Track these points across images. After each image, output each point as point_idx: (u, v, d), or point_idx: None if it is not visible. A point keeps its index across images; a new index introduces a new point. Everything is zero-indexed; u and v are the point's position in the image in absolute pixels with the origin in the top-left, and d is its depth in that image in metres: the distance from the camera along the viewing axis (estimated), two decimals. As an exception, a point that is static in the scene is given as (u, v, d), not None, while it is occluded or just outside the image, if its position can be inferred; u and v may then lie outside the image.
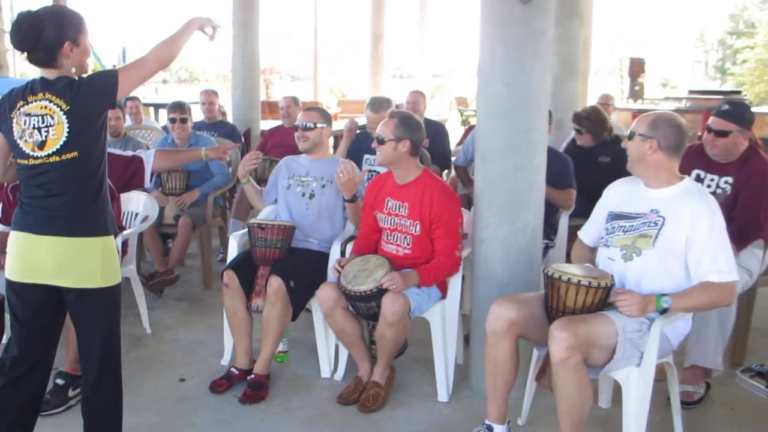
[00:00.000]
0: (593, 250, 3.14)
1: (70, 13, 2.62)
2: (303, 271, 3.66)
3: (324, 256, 3.84)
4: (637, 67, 15.31)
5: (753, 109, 11.70)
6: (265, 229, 3.69)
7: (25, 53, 2.55)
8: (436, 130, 5.79)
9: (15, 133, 2.55)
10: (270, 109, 13.14)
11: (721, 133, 3.66)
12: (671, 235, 2.82)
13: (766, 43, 22.65)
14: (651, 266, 2.83)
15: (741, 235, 3.50)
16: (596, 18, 13.94)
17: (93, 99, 2.54)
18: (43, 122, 2.51)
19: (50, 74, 2.56)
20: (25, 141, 2.53)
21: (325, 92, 22.06)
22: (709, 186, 3.73)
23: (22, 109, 2.54)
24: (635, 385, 2.75)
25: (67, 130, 2.50)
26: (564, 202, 4.63)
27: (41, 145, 2.51)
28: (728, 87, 23.25)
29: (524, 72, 3.20)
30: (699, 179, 3.76)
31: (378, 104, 5.26)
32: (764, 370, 2.63)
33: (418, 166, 3.55)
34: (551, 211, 4.61)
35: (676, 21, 40.30)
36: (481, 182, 3.38)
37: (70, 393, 3.39)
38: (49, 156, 2.51)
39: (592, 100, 9.01)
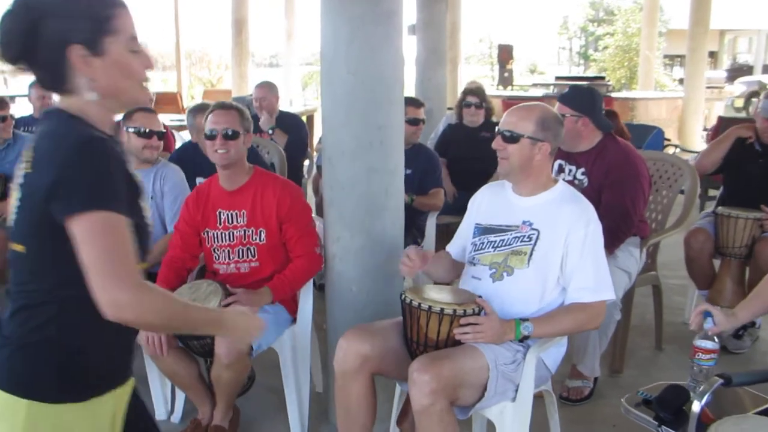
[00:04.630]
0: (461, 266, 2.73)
1: None
2: None
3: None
4: (505, 54, 15.40)
5: (616, 95, 11.86)
6: None
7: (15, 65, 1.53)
8: (292, 122, 5.35)
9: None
10: (126, 101, 12.18)
11: None
12: (547, 251, 2.45)
13: (624, 30, 23.50)
14: (524, 287, 2.46)
15: (611, 236, 3.21)
16: (465, 4, 13.88)
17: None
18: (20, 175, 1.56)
19: (63, 102, 1.54)
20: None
21: (194, 81, 21.00)
22: (568, 175, 3.47)
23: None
24: (510, 422, 2.37)
25: (18, 205, 1.51)
26: (432, 204, 4.33)
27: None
28: (592, 73, 24.00)
29: (374, 58, 2.73)
30: (561, 169, 3.49)
31: None
32: (651, 396, 2.30)
33: (248, 166, 3.07)
34: (417, 213, 4.25)
35: (542, 8, 41.59)
36: (330, 188, 2.89)
37: None
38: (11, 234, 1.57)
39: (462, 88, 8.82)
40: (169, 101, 12.50)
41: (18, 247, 1.50)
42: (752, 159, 4.05)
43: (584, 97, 3.51)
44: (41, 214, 1.44)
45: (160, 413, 3.24)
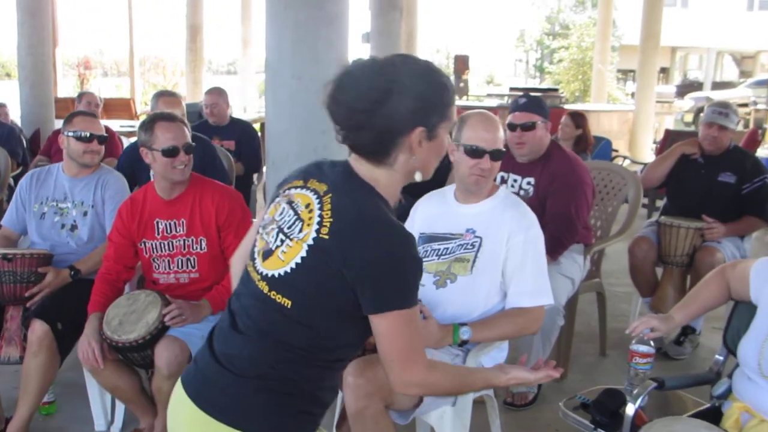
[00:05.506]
0: None
1: (437, 77, 1.56)
2: (71, 306, 2.95)
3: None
4: (461, 65, 15.54)
5: (569, 107, 12.13)
6: (12, 261, 2.96)
7: (341, 131, 1.55)
8: (244, 130, 5.27)
9: (265, 217, 1.67)
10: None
11: (528, 127, 3.42)
12: (490, 257, 2.47)
13: (578, 44, 23.95)
14: (467, 294, 2.47)
15: (555, 243, 3.26)
16: (422, 14, 14.00)
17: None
18: (289, 225, 1.57)
19: (363, 169, 1.58)
20: (262, 236, 1.64)
21: (148, 88, 20.73)
22: (512, 187, 3.49)
23: (290, 191, 1.63)
24: (450, 426, 2.37)
25: (298, 262, 1.53)
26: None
27: (265, 256, 1.60)
28: (546, 85, 24.39)
29: (318, 62, 2.73)
30: (503, 181, 3.51)
31: None
32: (589, 400, 2.32)
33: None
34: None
35: (499, 21, 42.15)
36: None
37: None
38: (262, 279, 1.59)
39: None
40: (122, 107, 12.33)
41: (282, 300, 1.54)
42: (694, 170, 4.14)
43: (545, 104, 3.60)
44: (333, 290, 1.50)
45: (99, 425, 3.15)
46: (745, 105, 16.65)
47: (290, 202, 1.58)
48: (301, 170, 1.66)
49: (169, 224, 2.91)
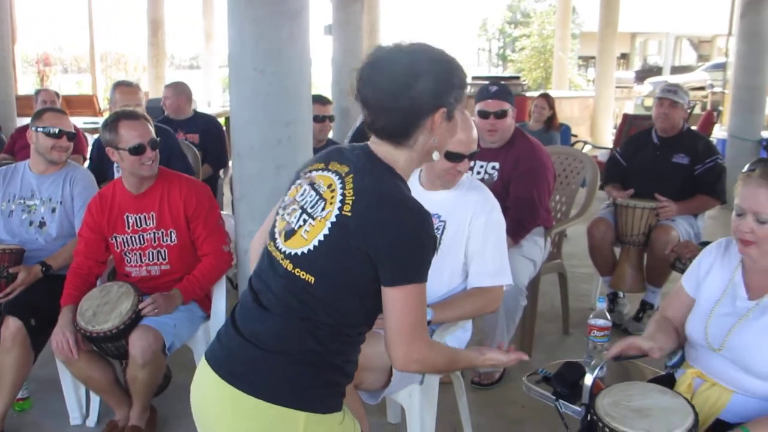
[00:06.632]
0: None
1: (454, 62, 1.65)
2: (44, 301, 2.99)
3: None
4: (424, 55, 15.61)
5: (530, 94, 12.24)
6: None
7: (370, 115, 1.62)
8: (209, 125, 5.25)
9: (285, 198, 1.73)
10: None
11: (500, 114, 3.53)
12: (453, 239, 2.56)
13: (540, 32, 24.17)
14: (431, 275, 2.51)
15: (518, 227, 3.37)
16: (384, 5, 14.01)
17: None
18: (312, 205, 1.64)
19: (382, 151, 1.65)
20: (282, 217, 1.71)
21: (110, 83, 20.44)
22: (478, 173, 3.59)
23: (312, 173, 1.70)
24: (419, 404, 2.46)
25: (321, 239, 1.59)
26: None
27: (288, 236, 1.66)
28: (509, 73, 24.59)
29: (280, 56, 2.80)
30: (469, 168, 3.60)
31: None
32: (550, 374, 2.42)
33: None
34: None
35: (461, 10, 42.30)
36: (239, 184, 2.95)
37: None
38: (285, 257, 1.65)
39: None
40: (85, 104, 12.17)
41: (306, 276, 1.61)
42: (650, 152, 4.28)
43: (511, 91, 3.68)
44: (354, 267, 1.58)
45: (74, 418, 3.18)
46: (702, 88, 17.00)
47: (312, 184, 1.66)
48: (322, 155, 1.74)
49: (139, 218, 2.96)
